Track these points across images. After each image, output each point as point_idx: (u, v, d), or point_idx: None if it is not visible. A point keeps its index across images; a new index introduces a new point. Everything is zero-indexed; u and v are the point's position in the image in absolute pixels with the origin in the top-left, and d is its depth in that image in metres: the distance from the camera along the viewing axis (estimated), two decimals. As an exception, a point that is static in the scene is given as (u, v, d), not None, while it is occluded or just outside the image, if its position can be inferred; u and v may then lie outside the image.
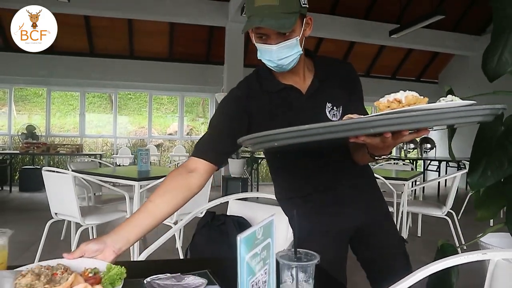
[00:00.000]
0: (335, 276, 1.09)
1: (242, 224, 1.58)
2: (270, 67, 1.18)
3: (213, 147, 1.23)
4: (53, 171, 3.00)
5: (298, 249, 0.83)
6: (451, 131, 1.17)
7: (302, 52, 1.15)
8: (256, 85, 1.27)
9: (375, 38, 7.86)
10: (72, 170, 3.41)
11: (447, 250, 1.27)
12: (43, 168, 3.10)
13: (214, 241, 1.57)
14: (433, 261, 1.08)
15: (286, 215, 1.35)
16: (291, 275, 0.81)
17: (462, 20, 8.28)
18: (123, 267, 0.89)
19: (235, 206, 1.76)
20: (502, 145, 1.07)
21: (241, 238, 0.54)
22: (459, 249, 1.37)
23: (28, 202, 6.24)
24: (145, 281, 0.90)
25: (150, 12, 6.83)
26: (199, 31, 8.19)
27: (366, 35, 7.72)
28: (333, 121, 1.20)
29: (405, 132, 0.87)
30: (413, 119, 0.82)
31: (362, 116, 0.86)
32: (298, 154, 1.27)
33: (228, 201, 1.80)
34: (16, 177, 7.86)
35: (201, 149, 1.23)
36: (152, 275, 0.93)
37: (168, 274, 0.94)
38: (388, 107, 0.86)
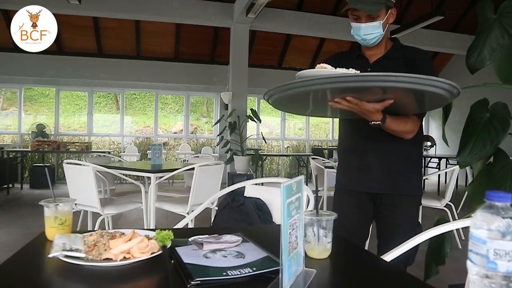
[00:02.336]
0: (355, 235, 1.32)
1: (259, 205, 1.76)
2: (358, 41, 1.59)
3: None
4: (75, 164, 3.19)
5: (318, 210, 1.02)
6: (445, 115, 1.36)
7: (383, 33, 1.52)
8: (345, 54, 1.70)
9: (376, 38, 8.03)
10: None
11: (443, 223, 1.45)
12: (64, 161, 3.29)
13: (235, 220, 1.75)
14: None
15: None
16: (313, 231, 1.00)
17: (461, 20, 8.46)
18: (170, 231, 1.08)
19: (252, 190, 1.94)
20: (486, 129, 1.26)
21: (283, 185, 0.72)
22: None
23: (40, 198, 6.31)
24: (189, 239, 1.09)
25: (157, 13, 7.01)
26: (204, 32, 8.37)
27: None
28: None
29: (367, 97, 1.19)
30: (352, 79, 1.11)
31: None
32: (351, 114, 1.56)
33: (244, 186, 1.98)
34: (26, 175, 8.06)
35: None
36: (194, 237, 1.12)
37: (207, 235, 1.12)
38: None
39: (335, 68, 1.21)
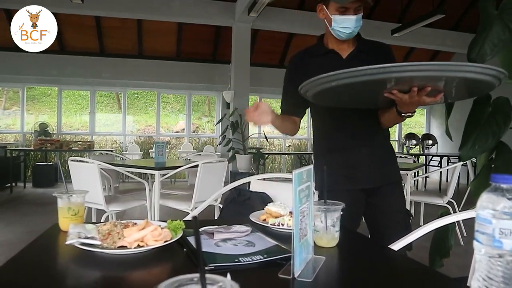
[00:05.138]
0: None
1: (265, 199, 1.77)
2: (341, 35, 1.51)
3: (288, 106, 1.70)
4: (80, 161, 3.21)
5: (326, 200, 1.05)
6: (448, 110, 1.39)
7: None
8: (308, 51, 1.64)
9: (377, 37, 7.89)
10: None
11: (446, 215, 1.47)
12: (69, 158, 3.31)
13: (241, 214, 1.77)
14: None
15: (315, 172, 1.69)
16: (321, 220, 1.03)
17: (462, 19, 8.47)
18: (181, 221, 1.11)
19: (256, 185, 1.97)
20: (489, 123, 1.29)
21: (295, 173, 0.75)
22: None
23: (43, 196, 6.46)
24: (200, 230, 1.11)
25: (159, 12, 7.04)
26: (206, 31, 8.40)
27: (369, 34, 7.82)
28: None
29: (428, 88, 1.11)
30: (427, 67, 1.04)
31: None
32: (329, 115, 1.60)
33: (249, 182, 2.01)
34: (29, 174, 8.08)
35: (283, 109, 1.73)
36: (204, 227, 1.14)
37: (216, 226, 1.15)
38: None
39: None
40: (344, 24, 1.48)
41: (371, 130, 1.57)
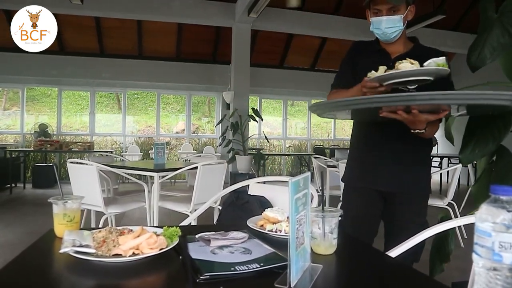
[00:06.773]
0: (363, 231, 1.33)
1: (263, 202, 1.76)
2: (377, 36, 1.61)
3: (340, 81, 1.73)
4: (79, 163, 3.20)
5: (324, 207, 1.03)
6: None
7: (403, 28, 1.56)
8: (365, 45, 1.71)
9: (377, 38, 8.03)
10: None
11: (446, 220, 1.46)
12: (68, 160, 3.30)
13: (239, 218, 1.76)
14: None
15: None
16: (319, 227, 1.01)
17: (462, 19, 8.45)
18: (178, 227, 1.09)
19: (255, 188, 1.95)
20: (489, 127, 1.27)
21: (291, 181, 0.74)
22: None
23: (43, 197, 6.44)
24: (197, 236, 1.10)
25: (159, 13, 7.02)
26: (206, 32, 8.39)
27: (370, 35, 7.88)
28: (405, 89, 1.49)
29: (413, 110, 1.18)
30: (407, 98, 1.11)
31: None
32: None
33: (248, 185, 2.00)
34: (28, 175, 8.07)
35: (335, 82, 1.77)
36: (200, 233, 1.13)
37: (213, 232, 1.14)
38: None
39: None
40: (376, 25, 1.56)
41: (400, 134, 1.51)
